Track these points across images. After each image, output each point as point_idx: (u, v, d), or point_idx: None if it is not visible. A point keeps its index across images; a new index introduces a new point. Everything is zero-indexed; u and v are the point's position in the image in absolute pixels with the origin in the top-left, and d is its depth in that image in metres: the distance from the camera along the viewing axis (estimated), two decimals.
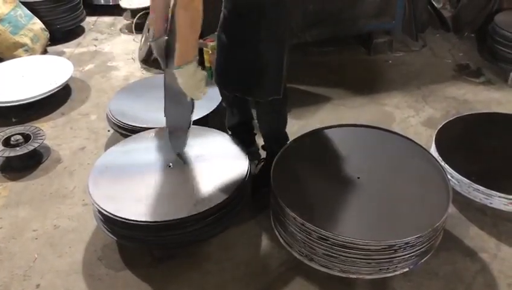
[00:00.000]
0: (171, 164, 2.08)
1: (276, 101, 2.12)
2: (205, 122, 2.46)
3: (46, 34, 3.85)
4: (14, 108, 2.96)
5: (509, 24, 3.23)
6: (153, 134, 2.30)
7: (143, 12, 4.04)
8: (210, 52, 2.98)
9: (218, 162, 2.10)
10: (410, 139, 2.19)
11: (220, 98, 2.59)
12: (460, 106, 3.03)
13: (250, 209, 2.18)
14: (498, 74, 3.32)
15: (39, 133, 2.64)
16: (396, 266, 1.73)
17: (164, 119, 2.39)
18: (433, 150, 2.26)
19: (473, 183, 2.07)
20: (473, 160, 2.23)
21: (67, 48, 3.99)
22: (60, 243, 2.12)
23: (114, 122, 2.53)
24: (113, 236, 1.92)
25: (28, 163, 2.59)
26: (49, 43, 3.93)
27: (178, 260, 2.02)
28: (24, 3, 3.79)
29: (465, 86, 3.25)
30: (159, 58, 2.11)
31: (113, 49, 3.95)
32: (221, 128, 2.49)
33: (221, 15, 2.06)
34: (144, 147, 2.21)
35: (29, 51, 3.61)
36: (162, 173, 2.04)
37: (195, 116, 2.42)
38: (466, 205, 2.21)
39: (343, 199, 1.88)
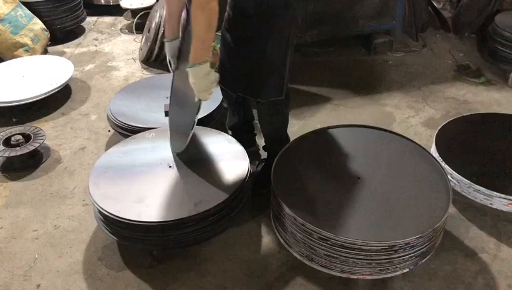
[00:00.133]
0: (171, 164, 2.08)
1: (278, 102, 2.12)
2: (205, 122, 2.46)
3: (47, 34, 3.85)
4: (14, 108, 2.96)
5: (510, 24, 3.23)
6: (154, 134, 2.30)
7: (143, 12, 4.05)
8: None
9: (219, 162, 2.10)
10: (410, 140, 2.19)
11: (220, 98, 2.60)
12: (460, 107, 3.03)
13: (250, 209, 2.19)
14: (498, 75, 3.32)
15: (39, 133, 2.64)
16: (396, 267, 1.73)
17: (164, 119, 2.40)
18: (433, 151, 2.26)
19: (473, 183, 2.07)
20: (473, 160, 2.23)
21: (68, 48, 3.99)
22: (61, 243, 2.12)
23: (114, 123, 2.53)
24: (113, 236, 1.92)
25: (28, 163, 2.59)
26: (49, 43, 3.93)
27: (178, 260, 2.02)
28: (24, 4, 3.79)
29: (465, 87, 3.25)
30: (170, 59, 2.11)
31: (114, 49, 3.95)
32: (222, 128, 2.49)
33: (226, 14, 2.06)
34: (144, 147, 2.21)
35: (30, 51, 3.61)
36: (163, 173, 2.05)
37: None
38: (466, 206, 2.21)
39: (343, 200, 1.88)
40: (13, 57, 3.52)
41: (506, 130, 2.43)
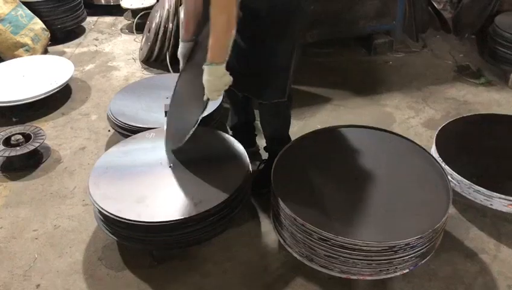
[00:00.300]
0: (171, 164, 2.08)
1: (280, 104, 2.12)
2: (206, 122, 2.45)
3: (47, 34, 3.85)
4: (14, 108, 2.96)
5: (510, 25, 3.23)
6: (154, 134, 2.30)
7: (144, 12, 4.05)
8: None
9: (219, 162, 2.10)
10: (411, 140, 2.18)
11: (220, 99, 2.60)
12: (460, 107, 3.03)
13: (250, 209, 2.19)
14: (498, 75, 3.32)
15: (39, 133, 2.64)
16: (396, 267, 1.73)
17: (165, 119, 2.40)
18: (434, 151, 2.26)
19: (473, 184, 2.07)
20: (473, 161, 2.23)
21: (68, 48, 3.99)
22: (60, 243, 2.12)
23: (114, 123, 2.53)
24: (113, 236, 1.92)
25: (28, 163, 2.59)
26: (49, 43, 3.93)
27: (178, 260, 2.02)
28: (25, 3, 3.79)
29: (466, 87, 3.25)
30: (180, 59, 2.12)
31: (114, 49, 3.95)
32: (222, 128, 2.50)
33: None
34: (144, 147, 2.21)
35: (30, 51, 3.61)
36: (163, 173, 2.04)
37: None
38: (466, 206, 2.21)
39: (343, 200, 1.88)
40: (13, 56, 3.52)
41: (506, 131, 2.43)
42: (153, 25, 3.46)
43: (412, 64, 3.55)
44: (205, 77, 1.78)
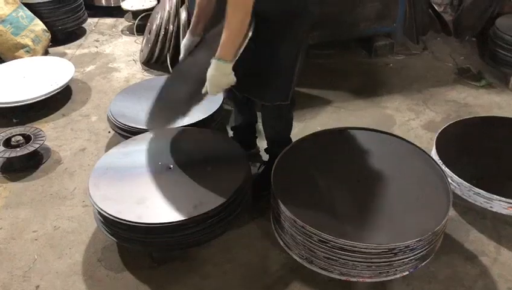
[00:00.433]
0: (171, 166, 2.08)
1: (282, 106, 2.12)
2: (206, 123, 2.46)
3: (48, 35, 3.86)
4: (15, 109, 2.96)
5: (510, 28, 3.23)
6: (154, 136, 2.30)
7: (144, 14, 4.05)
8: None
9: (219, 164, 2.10)
10: (411, 142, 2.18)
11: (221, 100, 2.60)
12: (461, 110, 3.03)
13: (250, 211, 2.18)
14: (499, 78, 3.32)
15: (40, 134, 2.64)
16: (396, 270, 1.73)
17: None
18: (434, 154, 2.26)
19: (473, 187, 2.07)
20: (474, 164, 2.23)
21: (69, 49, 4.00)
22: (60, 245, 2.12)
23: (115, 124, 2.53)
24: (113, 238, 1.92)
25: (28, 164, 2.59)
26: (50, 44, 3.93)
27: (178, 262, 2.01)
28: (26, 5, 3.79)
29: (466, 90, 3.25)
30: (182, 50, 2.13)
31: (115, 51, 3.95)
32: (222, 130, 2.49)
33: None
34: (144, 149, 2.21)
35: (31, 52, 3.61)
36: (163, 174, 2.04)
37: (197, 117, 2.44)
38: (466, 209, 2.21)
39: (343, 202, 1.88)
40: (14, 58, 3.52)
41: (506, 134, 2.43)
42: (154, 27, 3.47)
43: (412, 67, 3.55)
44: (211, 71, 1.78)
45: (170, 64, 3.37)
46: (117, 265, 2.01)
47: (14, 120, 2.98)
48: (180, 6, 3.42)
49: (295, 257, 1.84)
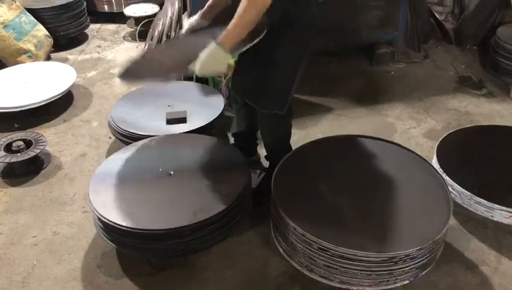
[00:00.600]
0: (171, 172, 2.08)
1: (280, 115, 2.12)
2: (206, 130, 2.46)
3: (50, 41, 3.87)
4: (16, 114, 2.97)
5: (511, 37, 3.24)
6: (154, 142, 2.31)
7: (146, 20, 4.06)
8: None
9: (219, 170, 2.10)
10: (412, 151, 2.18)
11: (221, 107, 2.61)
12: (461, 118, 3.03)
13: (250, 218, 2.18)
14: (500, 87, 3.32)
15: (41, 139, 2.64)
16: (396, 278, 1.72)
17: (166, 127, 2.41)
18: (434, 162, 2.26)
19: (474, 195, 2.06)
20: (475, 172, 2.23)
21: (71, 54, 4.01)
22: (59, 250, 2.12)
23: (115, 130, 2.53)
24: (112, 244, 1.91)
25: (29, 169, 2.59)
26: (52, 49, 3.94)
27: (177, 268, 2.01)
28: (29, 10, 3.81)
29: (467, 98, 3.25)
30: (185, 26, 2.15)
31: (116, 57, 3.96)
32: (223, 136, 2.49)
33: None
34: (144, 155, 2.21)
35: (33, 57, 3.62)
36: (163, 181, 2.04)
37: (198, 124, 2.45)
38: (467, 218, 2.21)
39: (343, 210, 1.87)
40: (16, 63, 3.53)
41: (507, 143, 2.43)
42: (156, 33, 3.48)
43: (413, 75, 3.56)
44: (206, 51, 1.77)
45: None
46: (116, 271, 2.00)
47: (16, 125, 2.99)
48: (182, 13, 3.44)
49: (295, 264, 1.83)
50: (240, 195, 1.94)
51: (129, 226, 1.80)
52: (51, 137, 2.88)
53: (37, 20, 3.82)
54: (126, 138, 2.47)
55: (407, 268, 1.70)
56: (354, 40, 3.59)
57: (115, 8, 4.60)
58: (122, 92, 3.33)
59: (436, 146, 2.34)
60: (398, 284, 1.75)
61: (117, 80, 3.56)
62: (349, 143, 2.26)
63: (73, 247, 2.13)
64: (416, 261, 1.70)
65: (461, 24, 3.78)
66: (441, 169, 2.18)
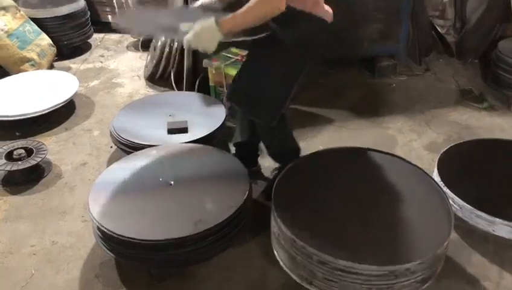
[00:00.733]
0: (172, 182, 2.07)
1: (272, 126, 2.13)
2: (207, 140, 2.46)
3: (53, 50, 3.89)
4: (18, 122, 2.97)
5: None
6: (155, 152, 2.31)
7: None
8: (214, 72, 3.00)
9: (219, 181, 2.10)
10: (412, 163, 2.18)
11: (222, 117, 2.61)
12: (462, 131, 3.03)
13: (250, 228, 2.17)
14: (501, 100, 3.33)
15: (42, 148, 2.64)
16: None
17: (167, 137, 2.42)
18: (435, 175, 2.25)
19: (475, 209, 2.05)
20: (476, 186, 2.22)
21: (74, 63, 4.03)
22: (58, 260, 2.11)
23: (117, 139, 2.53)
24: (111, 254, 1.90)
25: (29, 177, 2.59)
26: (56, 58, 3.96)
27: (176, 279, 1.99)
28: (33, 20, 3.84)
29: (468, 112, 3.26)
30: (200, 1, 2.14)
31: (119, 66, 3.98)
32: (224, 147, 2.49)
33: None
34: (145, 165, 2.21)
35: (36, 66, 3.64)
36: (163, 191, 2.04)
37: (199, 134, 2.45)
38: (468, 232, 2.19)
39: (344, 222, 1.86)
40: (19, 71, 3.54)
41: (509, 156, 2.42)
42: (159, 43, 3.50)
43: (415, 88, 3.56)
44: (201, 23, 1.79)
45: (174, 80, 3.39)
46: (114, 282, 1.99)
47: (17, 133, 2.99)
48: None
49: (295, 277, 1.82)
50: (240, 205, 1.94)
51: (129, 236, 1.79)
52: (52, 145, 2.88)
53: (41, 29, 3.85)
54: (127, 147, 2.47)
55: (408, 282, 1.68)
56: (356, 53, 3.61)
57: None
58: (124, 102, 3.35)
59: (437, 159, 2.34)
60: None
61: (119, 90, 3.58)
62: (350, 155, 2.26)
63: (72, 256, 2.12)
64: (417, 275, 1.69)
65: (463, 37, 3.79)
66: (441, 182, 2.18)
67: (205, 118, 2.65)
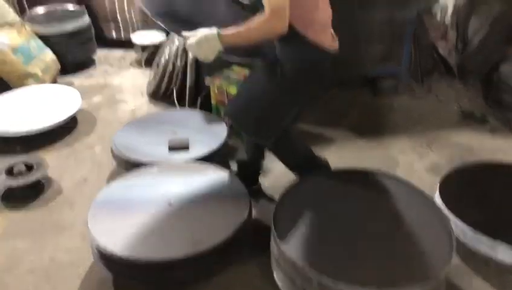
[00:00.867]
0: (171, 201, 2.07)
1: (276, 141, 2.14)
2: (209, 159, 2.46)
3: (57, 65, 3.92)
4: (19, 137, 2.97)
5: None
6: (156, 169, 2.30)
7: (153, 47, 4.12)
8: (216, 90, 3.02)
9: (219, 200, 2.09)
10: (414, 186, 2.17)
11: (224, 136, 2.61)
12: (464, 153, 3.02)
13: (250, 249, 2.15)
14: (503, 122, 3.33)
15: (42, 164, 2.64)
16: None
17: (168, 154, 2.41)
18: (437, 197, 2.24)
19: (477, 233, 2.04)
20: (478, 209, 2.20)
21: (77, 79, 4.05)
22: (56, 277, 2.09)
23: (118, 156, 2.53)
24: (109, 272, 1.89)
25: (29, 193, 2.58)
26: (59, 73, 3.99)
27: None
28: (38, 35, 3.87)
29: (470, 133, 3.25)
30: None
31: (122, 83, 4.00)
32: (225, 165, 2.49)
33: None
34: (146, 183, 2.21)
35: (39, 81, 3.66)
36: (162, 210, 2.03)
37: (200, 152, 2.45)
38: (470, 256, 2.17)
39: (344, 245, 1.85)
40: (22, 86, 3.55)
41: (511, 179, 2.41)
42: (162, 61, 3.52)
43: (416, 109, 3.57)
44: (205, 32, 1.83)
45: (176, 98, 3.40)
46: None
47: (18, 148, 2.99)
48: None
49: None
50: (240, 225, 1.93)
51: (127, 255, 1.78)
52: (53, 161, 2.88)
53: (45, 45, 3.88)
54: (128, 164, 2.47)
55: None
56: (358, 73, 3.63)
57: (122, 35, 4.67)
58: (126, 118, 3.36)
59: (439, 182, 2.33)
60: None
61: (122, 106, 3.59)
62: (351, 176, 2.25)
63: (70, 274, 2.10)
64: None
65: (464, 59, 3.82)
66: (443, 205, 2.16)
67: (207, 135, 2.65)
